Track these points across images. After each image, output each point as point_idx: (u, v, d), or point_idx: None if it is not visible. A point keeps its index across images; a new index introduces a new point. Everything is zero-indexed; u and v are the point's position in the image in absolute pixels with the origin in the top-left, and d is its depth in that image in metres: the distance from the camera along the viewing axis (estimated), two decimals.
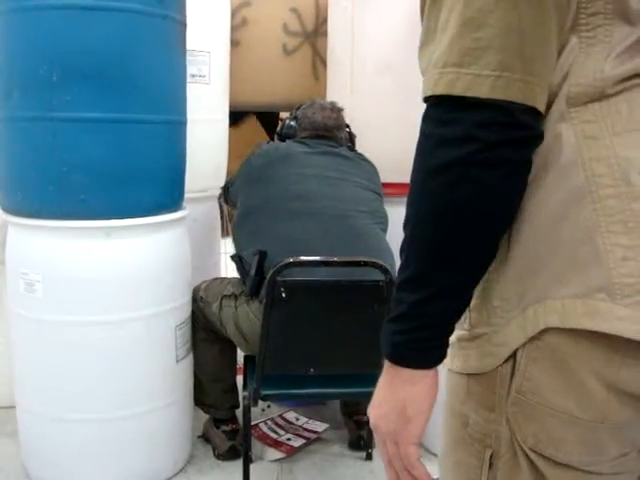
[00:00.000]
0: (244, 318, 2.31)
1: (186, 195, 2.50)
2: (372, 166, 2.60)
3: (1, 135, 2.22)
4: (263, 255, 2.22)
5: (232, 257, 2.46)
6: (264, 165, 2.44)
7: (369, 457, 2.63)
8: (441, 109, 0.81)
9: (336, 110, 2.65)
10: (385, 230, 2.43)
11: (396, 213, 2.83)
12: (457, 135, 0.79)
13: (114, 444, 2.31)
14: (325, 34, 3.23)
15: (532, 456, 0.86)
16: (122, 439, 2.31)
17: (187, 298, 2.47)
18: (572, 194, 0.81)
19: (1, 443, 2.66)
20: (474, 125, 0.78)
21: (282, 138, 2.62)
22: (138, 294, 2.26)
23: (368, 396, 2.55)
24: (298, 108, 2.67)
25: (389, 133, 2.88)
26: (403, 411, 0.89)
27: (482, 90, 0.78)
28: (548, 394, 0.83)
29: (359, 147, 2.74)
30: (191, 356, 2.53)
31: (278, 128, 2.68)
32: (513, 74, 0.78)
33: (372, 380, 2.17)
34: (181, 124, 2.38)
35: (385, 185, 2.78)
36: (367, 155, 2.64)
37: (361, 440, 2.68)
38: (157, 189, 2.28)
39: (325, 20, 3.25)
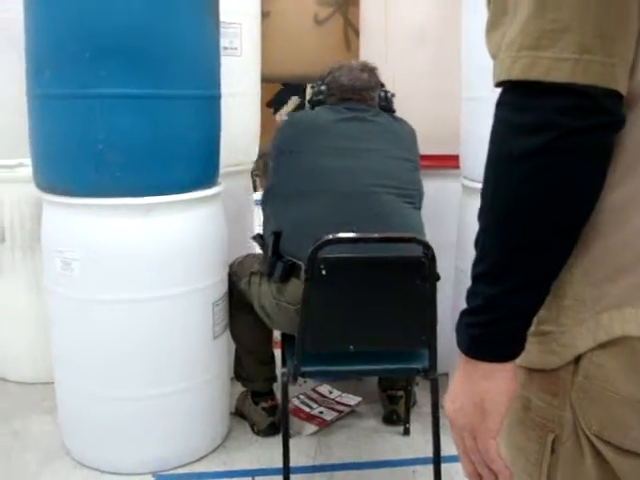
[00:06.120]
0: (266, 295, 2.30)
1: (220, 170, 2.46)
2: (408, 130, 2.47)
3: (34, 113, 2.21)
4: (278, 236, 2.21)
5: (253, 238, 2.46)
6: (291, 136, 2.39)
7: (407, 432, 2.61)
8: (517, 94, 0.77)
9: (367, 70, 2.48)
10: (416, 204, 2.35)
11: (428, 185, 2.81)
12: (536, 122, 0.75)
13: (153, 421, 2.32)
14: (357, 3, 3.17)
15: (596, 443, 0.84)
16: (161, 416, 2.32)
17: (224, 274, 2.46)
18: None
19: (41, 421, 2.67)
20: (554, 111, 0.75)
21: (312, 105, 2.50)
22: (175, 271, 2.25)
23: (407, 372, 2.53)
24: (329, 73, 2.53)
25: (424, 104, 2.84)
26: (480, 405, 0.86)
27: (561, 74, 0.74)
28: (616, 380, 0.81)
29: None
30: (228, 333, 2.53)
31: (308, 95, 2.59)
32: (593, 56, 0.74)
33: (411, 357, 2.19)
34: (215, 98, 2.34)
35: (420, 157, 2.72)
36: None
37: (394, 414, 2.67)
38: (193, 165, 2.26)
39: None
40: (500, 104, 0.80)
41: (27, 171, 2.41)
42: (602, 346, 0.81)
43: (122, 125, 2.09)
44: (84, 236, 2.19)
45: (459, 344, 0.87)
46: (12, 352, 2.99)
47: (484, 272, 0.83)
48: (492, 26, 0.85)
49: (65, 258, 2.20)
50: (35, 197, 2.46)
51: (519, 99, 0.77)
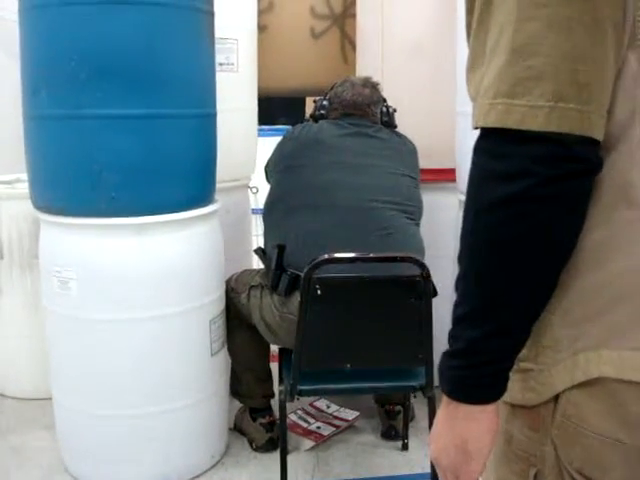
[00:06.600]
0: (268, 309, 2.31)
1: (217, 185, 2.47)
2: (410, 147, 2.48)
3: (31, 134, 2.22)
4: (282, 249, 2.22)
5: (255, 251, 2.46)
6: (293, 151, 2.41)
7: (405, 447, 2.61)
8: (493, 141, 0.78)
9: (369, 85, 2.51)
10: (416, 220, 2.37)
11: (426, 199, 2.82)
12: (512, 170, 0.76)
13: (151, 439, 2.31)
14: (354, 16, 3.17)
15: (578, 478, 0.85)
16: (158, 434, 2.32)
17: (221, 292, 2.46)
18: None
19: (40, 437, 2.67)
20: (529, 159, 0.75)
21: (315, 120, 2.51)
22: (172, 290, 2.25)
23: (404, 390, 2.53)
24: (332, 88, 2.56)
25: (420, 118, 2.83)
26: (463, 446, 0.87)
27: (536, 123, 0.74)
28: (592, 419, 0.82)
29: None
30: (226, 350, 2.53)
31: (312, 109, 2.59)
32: (568, 104, 0.74)
33: (408, 374, 2.19)
34: (211, 117, 2.35)
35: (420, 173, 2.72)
36: None
37: (392, 430, 2.67)
38: (188, 184, 2.26)
39: (353, 1, 3.19)
40: (477, 149, 0.80)
41: (24, 187, 2.41)
42: (579, 386, 0.82)
43: (118, 145, 2.09)
44: (81, 256, 2.19)
45: (441, 385, 0.88)
46: (10, 368, 3.00)
47: (464, 315, 0.83)
48: (472, 67, 0.85)
49: (62, 277, 2.20)
50: (33, 215, 2.46)
51: (495, 146, 0.78)
